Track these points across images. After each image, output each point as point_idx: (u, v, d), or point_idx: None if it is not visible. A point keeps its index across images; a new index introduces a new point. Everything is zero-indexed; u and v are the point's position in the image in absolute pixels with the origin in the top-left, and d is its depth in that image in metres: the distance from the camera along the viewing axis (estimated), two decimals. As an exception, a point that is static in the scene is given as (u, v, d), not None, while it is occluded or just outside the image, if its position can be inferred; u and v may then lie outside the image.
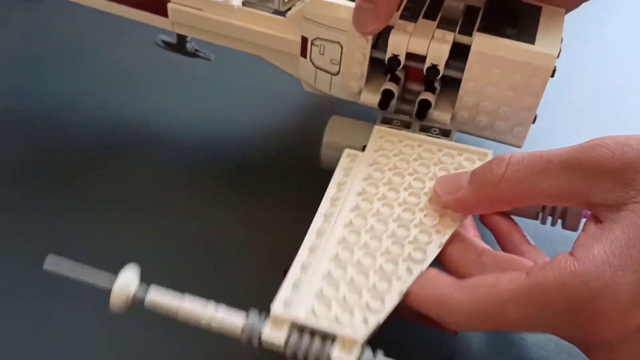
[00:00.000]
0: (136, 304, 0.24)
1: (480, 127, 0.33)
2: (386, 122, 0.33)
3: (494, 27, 0.31)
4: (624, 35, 0.48)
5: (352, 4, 0.32)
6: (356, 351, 0.23)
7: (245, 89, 0.43)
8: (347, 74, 0.34)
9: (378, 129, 0.32)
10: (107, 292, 0.24)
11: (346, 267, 0.26)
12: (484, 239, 0.29)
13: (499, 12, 0.32)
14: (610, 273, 0.22)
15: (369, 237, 0.27)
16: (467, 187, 0.27)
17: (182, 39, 0.39)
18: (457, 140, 0.32)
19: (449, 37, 0.31)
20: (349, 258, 0.26)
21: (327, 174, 0.30)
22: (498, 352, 0.30)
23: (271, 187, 0.37)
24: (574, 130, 0.38)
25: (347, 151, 0.31)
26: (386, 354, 0.23)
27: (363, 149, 0.31)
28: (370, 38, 0.32)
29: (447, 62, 0.31)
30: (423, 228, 0.27)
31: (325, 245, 0.27)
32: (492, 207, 0.27)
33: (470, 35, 0.31)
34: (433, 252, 0.26)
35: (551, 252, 0.27)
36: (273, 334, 0.24)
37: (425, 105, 0.32)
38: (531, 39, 0.30)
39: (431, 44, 0.31)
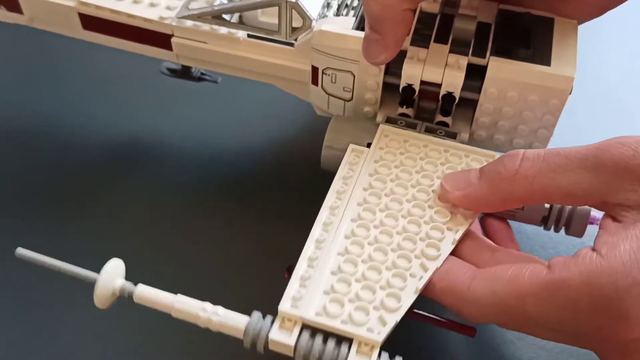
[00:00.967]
0: (124, 299, 0.25)
1: (499, 144, 0.33)
2: (391, 121, 0.32)
3: (507, 48, 0.31)
4: (625, 34, 0.47)
5: (360, 34, 0.31)
6: (374, 355, 0.23)
7: (248, 98, 0.43)
8: (361, 100, 0.33)
9: (383, 127, 0.32)
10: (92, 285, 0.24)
11: (356, 262, 0.26)
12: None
13: (510, 28, 0.32)
14: (638, 271, 0.22)
15: (378, 232, 0.27)
16: (477, 183, 0.26)
17: (187, 65, 0.39)
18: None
19: (463, 62, 0.31)
20: (359, 253, 0.26)
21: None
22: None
23: (273, 195, 0.37)
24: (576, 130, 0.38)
25: (352, 146, 0.31)
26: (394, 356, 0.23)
27: (367, 146, 0.31)
28: (382, 66, 0.31)
29: (461, 85, 0.31)
30: (434, 225, 0.27)
31: (333, 239, 0.26)
32: (504, 205, 0.27)
33: (484, 57, 0.31)
34: (447, 249, 0.26)
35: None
36: (282, 335, 0.23)
37: (443, 126, 0.32)
38: (547, 60, 0.30)
39: (446, 72, 0.30)
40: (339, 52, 0.31)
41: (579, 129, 0.36)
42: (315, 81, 0.34)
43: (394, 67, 0.32)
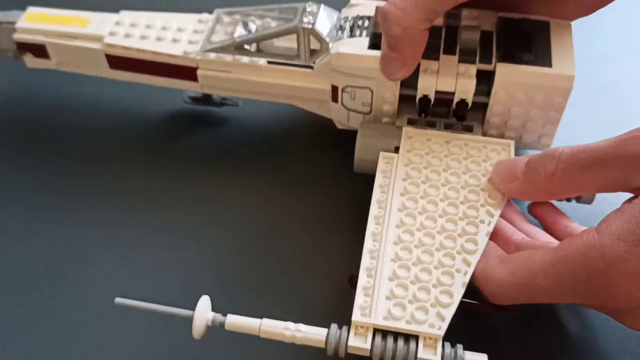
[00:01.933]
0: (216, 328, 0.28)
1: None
2: (411, 122, 0.35)
3: (511, 53, 0.33)
4: (625, 32, 0.50)
5: (376, 53, 0.34)
6: (439, 347, 0.27)
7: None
8: (380, 113, 0.36)
9: (406, 130, 0.35)
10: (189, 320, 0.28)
11: (408, 266, 0.29)
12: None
13: (511, 34, 0.35)
14: (624, 247, 0.24)
15: (422, 235, 0.30)
16: (521, 180, 0.30)
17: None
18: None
19: (472, 70, 0.33)
20: (409, 257, 0.29)
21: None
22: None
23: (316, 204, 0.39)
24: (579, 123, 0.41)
25: (382, 154, 0.34)
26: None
27: (395, 150, 0.34)
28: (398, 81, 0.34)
29: (471, 91, 0.34)
30: (469, 220, 0.31)
31: (384, 248, 0.30)
32: (545, 198, 0.31)
33: (490, 62, 0.33)
34: (483, 242, 0.30)
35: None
36: (358, 341, 0.27)
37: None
38: (548, 61, 0.33)
39: (458, 81, 0.33)
40: (358, 71, 0.34)
41: (582, 120, 0.39)
42: (335, 99, 0.36)
43: (408, 80, 0.34)
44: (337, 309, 0.29)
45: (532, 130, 0.35)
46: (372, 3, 0.37)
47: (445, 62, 0.34)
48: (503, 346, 0.29)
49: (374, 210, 0.31)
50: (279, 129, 0.41)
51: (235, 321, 0.28)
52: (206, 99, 0.42)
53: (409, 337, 0.27)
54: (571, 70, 0.33)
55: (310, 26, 0.35)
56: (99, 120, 0.43)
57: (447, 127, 0.35)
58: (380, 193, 0.32)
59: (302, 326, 0.28)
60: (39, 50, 0.40)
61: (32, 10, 0.40)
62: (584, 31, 0.34)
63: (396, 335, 0.27)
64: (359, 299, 0.28)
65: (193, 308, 0.28)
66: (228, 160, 0.40)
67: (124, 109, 0.43)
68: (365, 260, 0.29)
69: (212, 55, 0.37)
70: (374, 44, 0.35)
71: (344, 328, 0.28)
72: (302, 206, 0.37)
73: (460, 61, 0.34)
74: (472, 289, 0.29)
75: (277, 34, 0.36)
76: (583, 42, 0.33)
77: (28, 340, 0.32)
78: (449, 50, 0.34)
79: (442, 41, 0.35)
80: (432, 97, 0.34)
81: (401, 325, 0.27)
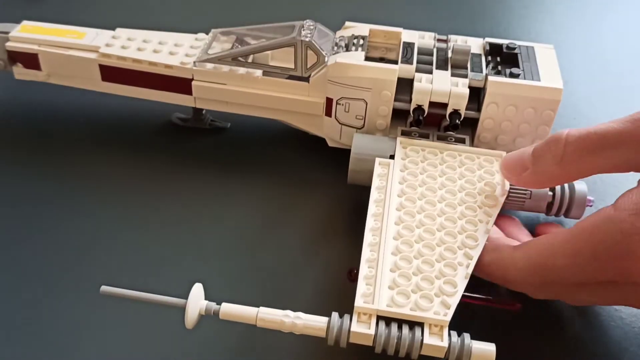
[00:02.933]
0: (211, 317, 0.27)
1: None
2: (405, 134, 0.36)
3: (501, 70, 0.35)
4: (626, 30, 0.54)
5: (373, 64, 0.35)
6: (445, 334, 0.26)
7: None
8: (373, 127, 0.36)
9: (401, 140, 0.35)
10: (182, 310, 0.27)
11: (410, 259, 0.29)
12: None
13: (499, 55, 0.36)
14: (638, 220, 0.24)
15: (422, 231, 0.30)
16: (530, 169, 0.29)
17: (198, 112, 0.41)
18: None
19: (465, 83, 0.35)
20: (410, 250, 0.29)
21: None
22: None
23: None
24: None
25: (378, 160, 0.34)
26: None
27: (390, 158, 0.34)
28: (393, 92, 0.35)
29: (462, 105, 0.35)
30: (467, 219, 0.31)
31: (384, 242, 0.29)
32: (554, 183, 0.31)
33: (481, 78, 0.35)
34: (483, 238, 0.30)
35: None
36: (361, 328, 0.26)
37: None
38: (536, 77, 0.35)
39: (452, 92, 0.34)
40: (354, 81, 0.35)
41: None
42: (329, 112, 0.37)
43: (402, 94, 0.35)
44: (337, 305, 0.28)
45: (521, 146, 0.36)
46: (366, 25, 0.39)
47: (438, 75, 0.35)
48: (504, 344, 0.27)
49: (372, 209, 0.31)
50: (276, 133, 0.41)
51: (230, 310, 0.27)
52: (195, 119, 0.42)
53: (413, 325, 0.26)
54: (559, 83, 0.34)
55: (308, 39, 0.36)
56: (96, 123, 0.42)
57: (440, 139, 0.36)
58: (378, 194, 0.32)
59: (301, 314, 0.27)
60: (31, 61, 0.39)
61: (27, 23, 0.40)
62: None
63: (400, 323, 0.26)
64: (361, 287, 0.27)
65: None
66: (228, 161, 0.40)
67: (123, 111, 0.43)
68: (366, 252, 0.29)
69: (209, 66, 0.37)
70: (369, 57, 0.36)
71: (346, 316, 0.27)
72: (299, 207, 0.37)
73: (452, 75, 0.35)
74: (473, 286, 0.28)
75: (276, 46, 0.37)
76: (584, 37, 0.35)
77: (28, 339, 0.30)
78: (441, 67, 0.36)
79: (434, 59, 0.36)
80: (425, 107, 0.35)
81: (405, 312, 0.26)
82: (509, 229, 0.33)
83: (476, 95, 0.35)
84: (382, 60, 0.37)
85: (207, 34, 0.40)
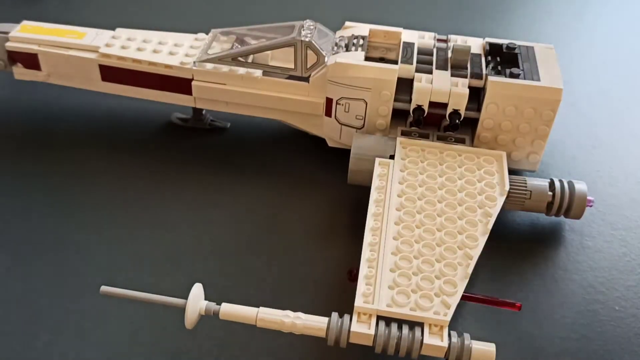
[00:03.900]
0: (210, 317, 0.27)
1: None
2: (405, 134, 0.36)
3: (501, 70, 0.35)
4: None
5: (373, 64, 0.35)
6: (445, 334, 0.26)
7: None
8: (373, 127, 0.36)
9: (400, 140, 0.35)
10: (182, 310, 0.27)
11: (410, 258, 0.29)
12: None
13: (499, 55, 0.36)
14: None
15: (422, 231, 0.30)
16: None
17: (197, 112, 0.41)
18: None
19: (465, 83, 0.35)
20: (410, 250, 0.29)
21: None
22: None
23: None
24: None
25: (378, 160, 0.34)
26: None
27: (390, 158, 0.34)
28: (393, 92, 0.35)
29: (462, 105, 0.35)
30: (467, 219, 0.30)
31: (384, 242, 0.29)
32: None
33: (481, 78, 0.35)
34: (483, 239, 0.30)
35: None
36: (361, 327, 0.26)
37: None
38: (536, 77, 0.34)
39: (451, 91, 0.34)
40: (354, 81, 0.35)
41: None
42: (329, 112, 0.37)
43: (401, 94, 0.35)
44: (337, 305, 0.28)
45: (521, 146, 0.36)
46: (366, 25, 0.39)
47: (438, 75, 0.35)
48: (504, 343, 0.27)
49: (372, 209, 0.31)
50: (276, 133, 0.41)
51: (230, 310, 0.27)
52: (195, 119, 0.42)
53: (413, 324, 0.26)
54: (559, 83, 0.34)
55: (308, 39, 0.36)
56: (96, 123, 0.42)
57: (440, 139, 0.35)
58: (378, 194, 0.32)
59: (301, 314, 0.27)
60: (30, 61, 0.39)
61: (27, 22, 0.40)
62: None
63: (400, 323, 0.26)
64: (361, 287, 0.27)
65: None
66: (228, 161, 0.40)
67: (123, 111, 0.43)
68: (366, 252, 0.29)
69: (209, 66, 0.37)
70: (369, 57, 0.36)
71: (346, 316, 0.26)
72: (299, 207, 0.37)
73: (452, 75, 0.35)
74: (473, 284, 0.28)
75: (276, 46, 0.36)
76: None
77: (28, 339, 0.30)
78: (441, 67, 0.36)
79: (434, 59, 0.36)
80: (425, 107, 0.35)
81: (405, 312, 0.26)
82: None
83: (476, 95, 0.35)
84: (382, 60, 0.37)
85: (207, 34, 0.40)
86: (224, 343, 0.30)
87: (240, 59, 0.37)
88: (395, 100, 0.36)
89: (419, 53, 0.37)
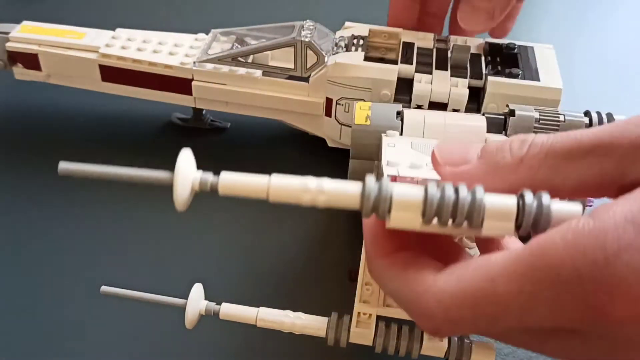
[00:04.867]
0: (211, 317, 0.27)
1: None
2: None
3: (501, 70, 0.35)
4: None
5: (373, 64, 0.35)
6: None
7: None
8: (372, 127, 0.36)
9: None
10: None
11: None
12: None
13: (498, 55, 0.36)
14: (633, 231, 0.17)
15: None
16: (474, 163, 0.22)
17: (198, 112, 0.41)
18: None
19: (464, 83, 0.35)
20: None
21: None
22: None
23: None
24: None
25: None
26: None
27: None
28: (393, 92, 0.35)
29: (461, 105, 0.35)
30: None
31: None
32: (501, 184, 0.21)
33: (481, 78, 0.35)
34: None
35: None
36: (361, 328, 0.26)
37: None
38: (536, 77, 0.35)
39: (451, 92, 0.34)
40: (354, 81, 0.35)
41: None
42: (328, 112, 0.37)
43: (401, 94, 0.35)
44: (337, 305, 0.28)
45: (521, 146, 0.36)
46: (366, 25, 0.39)
47: (437, 75, 0.35)
48: (504, 344, 0.27)
49: None
50: (277, 133, 0.41)
51: (230, 310, 0.27)
52: (195, 119, 0.42)
53: (413, 324, 0.26)
54: (559, 84, 0.34)
55: (308, 39, 0.36)
56: (96, 122, 0.42)
57: None
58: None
59: (301, 314, 0.27)
60: (31, 61, 0.39)
61: (27, 23, 0.40)
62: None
63: (400, 323, 0.26)
64: (361, 287, 0.27)
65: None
66: (228, 161, 0.40)
67: (123, 111, 0.43)
68: (364, 256, 0.29)
69: (209, 66, 0.37)
70: (369, 57, 0.36)
71: (346, 316, 0.27)
72: (299, 207, 0.36)
73: (452, 75, 0.35)
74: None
75: (275, 46, 0.37)
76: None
77: (28, 339, 0.30)
78: (441, 67, 0.36)
79: (433, 59, 0.36)
80: (425, 107, 0.35)
81: (403, 314, 0.26)
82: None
83: (476, 95, 0.35)
84: (381, 60, 0.37)
85: (207, 34, 0.40)
86: (224, 343, 0.30)
87: (240, 59, 0.37)
88: (395, 100, 0.35)
89: (418, 53, 0.37)
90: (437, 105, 0.35)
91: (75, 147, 0.40)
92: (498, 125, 0.32)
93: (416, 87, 0.34)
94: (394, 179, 0.25)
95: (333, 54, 0.36)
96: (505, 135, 0.32)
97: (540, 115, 0.31)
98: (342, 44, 0.37)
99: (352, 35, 0.38)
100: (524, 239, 0.21)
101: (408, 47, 0.37)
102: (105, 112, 0.43)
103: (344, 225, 0.36)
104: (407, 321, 0.26)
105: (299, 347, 0.29)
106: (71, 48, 0.39)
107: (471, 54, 0.36)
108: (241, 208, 0.37)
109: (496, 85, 0.34)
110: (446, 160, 0.22)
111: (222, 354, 0.29)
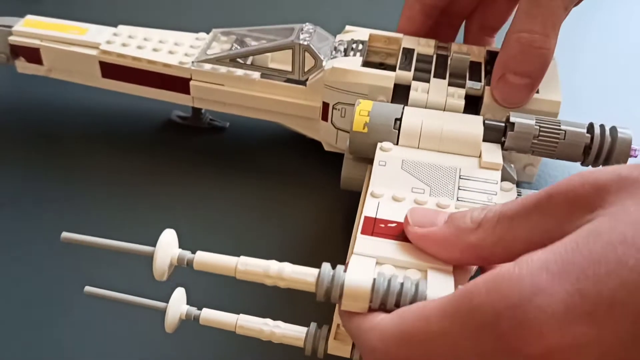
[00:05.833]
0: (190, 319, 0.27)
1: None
2: None
3: (500, 79, 0.35)
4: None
5: (370, 70, 0.35)
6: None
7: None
8: (368, 133, 0.36)
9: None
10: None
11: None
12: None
13: None
14: (545, 278, 0.19)
15: None
16: (440, 227, 0.25)
17: (197, 111, 0.41)
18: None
19: (461, 92, 0.34)
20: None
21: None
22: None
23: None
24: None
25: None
26: None
27: None
28: (389, 99, 0.35)
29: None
30: None
31: None
32: (461, 255, 0.24)
33: (479, 87, 0.34)
34: None
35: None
36: (339, 341, 0.26)
37: None
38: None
39: (447, 101, 0.34)
40: (350, 87, 0.35)
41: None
42: (325, 117, 0.37)
43: (398, 101, 0.35)
44: (329, 309, 0.28)
45: (518, 158, 0.35)
46: (367, 30, 0.38)
47: (435, 84, 0.35)
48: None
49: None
50: (275, 134, 0.41)
51: (210, 315, 0.27)
52: (194, 118, 0.42)
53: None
54: (558, 96, 0.34)
55: (306, 42, 0.36)
56: (96, 119, 0.43)
57: None
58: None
59: (281, 323, 0.27)
60: (33, 55, 0.40)
61: (30, 17, 0.41)
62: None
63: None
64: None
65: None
66: (225, 161, 0.40)
67: (123, 108, 0.43)
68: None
69: (207, 67, 0.37)
70: (369, 62, 0.36)
71: (324, 327, 0.26)
72: (295, 209, 0.37)
73: (450, 84, 0.35)
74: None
75: (274, 49, 0.36)
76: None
77: (28, 339, 0.31)
78: (439, 75, 0.35)
79: (432, 67, 0.36)
80: (421, 115, 0.34)
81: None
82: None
83: (474, 104, 0.35)
84: (381, 65, 0.37)
85: (208, 33, 0.40)
86: (223, 344, 0.30)
87: (238, 60, 0.37)
88: (392, 107, 0.35)
89: (418, 60, 0.36)
90: (433, 113, 0.35)
91: (75, 142, 0.41)
92: (497, 132, 0.32)
93: (412, 95, 0.34)
94: (370, 222, 0.27)
95: (331, 58, 0.36)
96: (503, 146, 0.32)
97: (540, 125, 0.31)
98: (341, 48, 0.37)
99: (352, 39, 0.38)
100: None
101: (408, 53, 0.37)
102: (107, 107, 0.43)
103: (340, 228, 0.36)
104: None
105: (299, 349, 0.29)
106: (72, 44, 0.39)
107: (471, 61, 0.36)
108: (235, 209, 0.37)
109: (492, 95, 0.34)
110: (415, 222, 0.26)
111: (221, 354, 0.29)
